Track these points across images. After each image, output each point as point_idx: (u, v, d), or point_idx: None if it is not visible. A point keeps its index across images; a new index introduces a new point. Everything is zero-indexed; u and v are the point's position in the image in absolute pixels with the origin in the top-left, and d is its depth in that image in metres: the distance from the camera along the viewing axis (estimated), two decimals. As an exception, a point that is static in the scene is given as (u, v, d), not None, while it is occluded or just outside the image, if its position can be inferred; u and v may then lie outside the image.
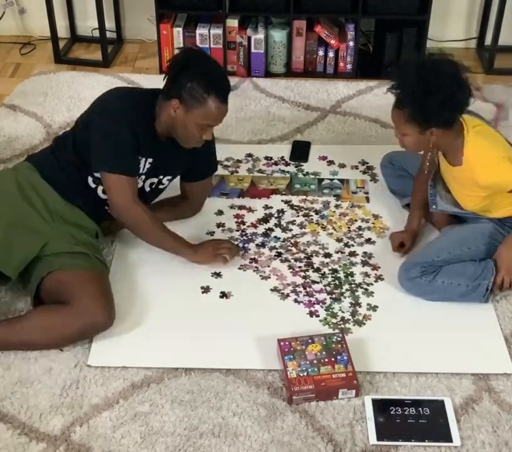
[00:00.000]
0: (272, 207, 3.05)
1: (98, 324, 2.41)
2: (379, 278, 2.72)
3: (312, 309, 2.59)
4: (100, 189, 2.64)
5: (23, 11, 4.26)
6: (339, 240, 2.88)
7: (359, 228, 2.94)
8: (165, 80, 2.54)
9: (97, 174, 2.60)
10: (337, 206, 3.04)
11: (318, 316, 2.56)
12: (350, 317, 2.56)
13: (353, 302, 2.62)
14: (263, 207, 3.05)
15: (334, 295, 2.64)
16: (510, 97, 3.77)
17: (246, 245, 2.85)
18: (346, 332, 2.49)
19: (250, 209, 3.03)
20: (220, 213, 3.02)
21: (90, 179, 2.63)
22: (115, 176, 2.53)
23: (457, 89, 2.39)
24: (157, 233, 2.64)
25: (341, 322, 2.54)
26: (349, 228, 2.94)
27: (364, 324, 2.54)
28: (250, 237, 2.89)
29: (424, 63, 2.45)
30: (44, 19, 3.98)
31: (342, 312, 2.58)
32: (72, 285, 2.42)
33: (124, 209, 2.59)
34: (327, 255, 2.81)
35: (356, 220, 2.98)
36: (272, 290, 2.67)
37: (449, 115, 2.44)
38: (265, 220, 2.98)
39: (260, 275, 2.73)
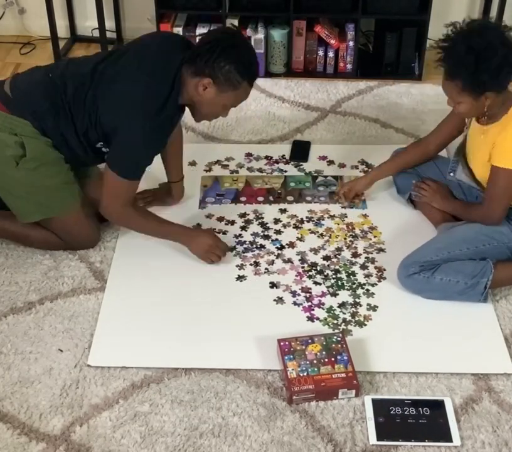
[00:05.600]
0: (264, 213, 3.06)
1: (88, 246, 2.82)
2: (380, 278, 2.72)
3: (312, 310, 2.59)
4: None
5: (23, 11, 4.25)
6: (338, 239, 2.89)
7: (354, 224, 2.94)
8: (196, 50, 2.44)
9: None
10: (331, 214, 3.04)
11: (318, 318, 2.56)
12: (350, 318, 2.56)
13: (354, 302, 2.62)
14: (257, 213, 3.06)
15: (336, 296, 2.64)
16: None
17: (245, 246, 2.86)
18: (346, 334, 2.49)
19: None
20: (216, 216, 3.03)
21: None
22: (127, 182, 2.53)
23: (508, 52, 2.36)
24: (152, 230, 2.72)
25: (342, 323, 2.55)
26: (347, 227, 2.94)
27: (365, 325, 2.54)
28: (248, 238, 2.90)
29: (470, 31, 2.40)
30: (44, 19, 3.98)
31: (343, 313, 2.58)
32: (57, 230, 2.75)
33: (117, 213, 2.63)
34: (327, 258, 2.81)
35: (352, 223, 2.97)
36: (272, 291, 2.67)
37: (503, 78, 2.41)
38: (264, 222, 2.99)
39: (260, 276, 2.73)
